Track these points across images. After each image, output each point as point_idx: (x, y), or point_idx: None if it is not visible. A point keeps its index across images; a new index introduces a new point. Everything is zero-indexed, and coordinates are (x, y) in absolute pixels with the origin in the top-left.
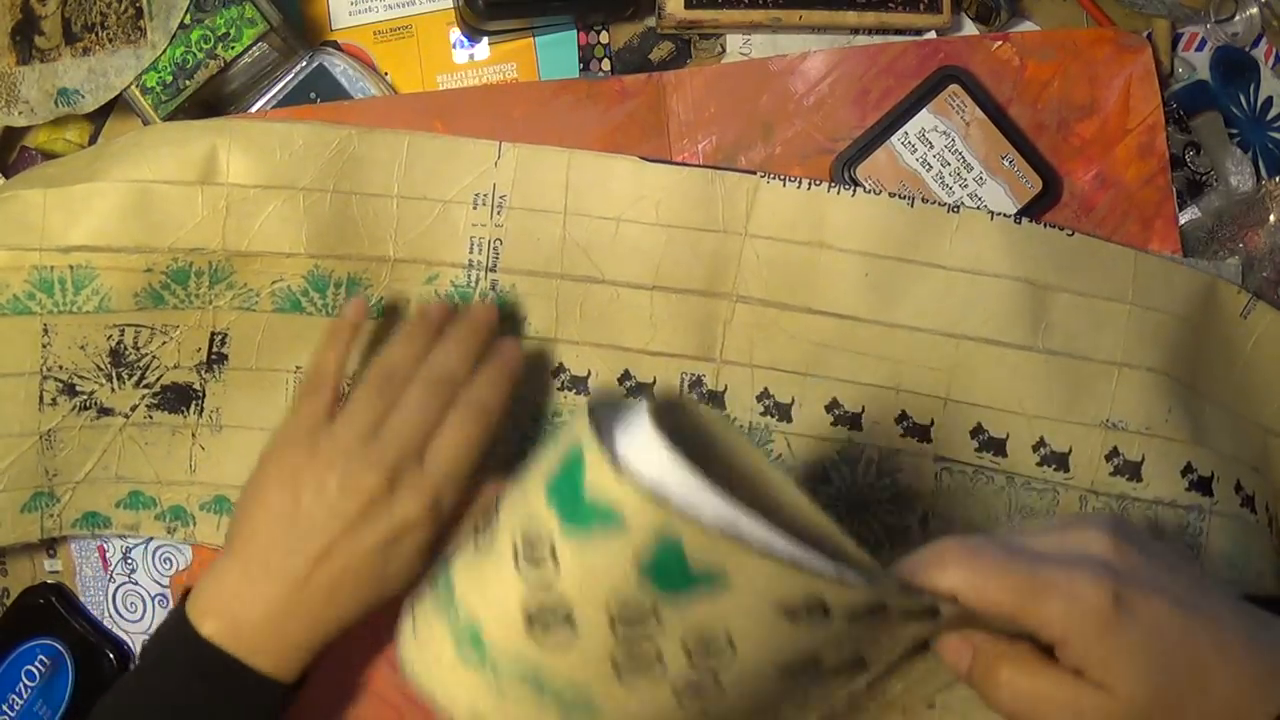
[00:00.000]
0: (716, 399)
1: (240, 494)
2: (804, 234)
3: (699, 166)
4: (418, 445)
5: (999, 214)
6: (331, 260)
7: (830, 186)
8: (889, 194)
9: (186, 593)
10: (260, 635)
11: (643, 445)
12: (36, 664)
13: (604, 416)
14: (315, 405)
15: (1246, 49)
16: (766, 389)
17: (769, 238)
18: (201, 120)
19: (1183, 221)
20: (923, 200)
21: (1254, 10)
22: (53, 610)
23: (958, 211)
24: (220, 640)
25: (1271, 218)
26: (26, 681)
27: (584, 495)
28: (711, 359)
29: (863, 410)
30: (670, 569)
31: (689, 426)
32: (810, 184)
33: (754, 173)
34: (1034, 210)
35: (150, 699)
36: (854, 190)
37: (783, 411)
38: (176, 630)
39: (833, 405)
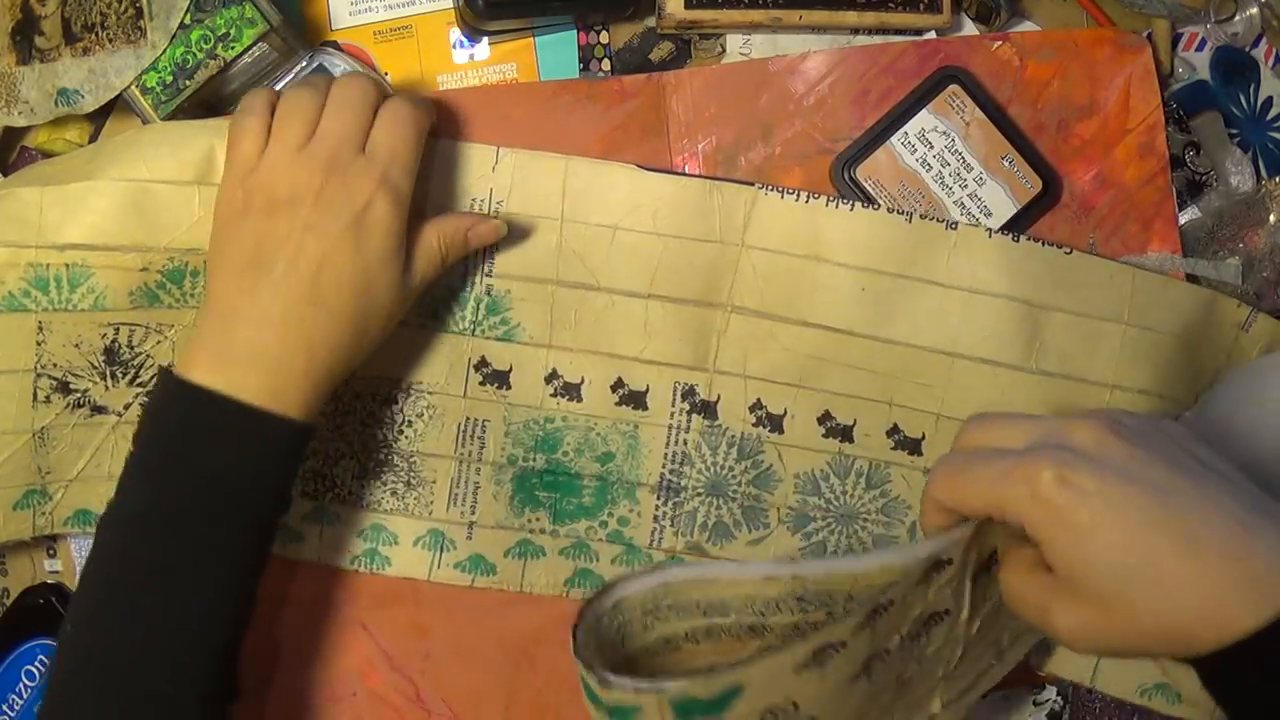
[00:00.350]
0: (709, 408)
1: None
2: (801, 247)
3: (697, 176)
4: (355, 140)
5: (997, 231)
6: None
7: (829, 200)
8: (887, 209)
9: (164, 369)
10: (254, 365)
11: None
12: (36, 664)
13: (585, 631)
14: (244, 147)
15: (1246, 49)
16: (759, 400)
17: (766, 249)
18: (200, 120)
19: (1183, 221)
20: (921, 216)
21: (1254, 10)
22: (53, 610)
23: (955, 228)
24: (214, 383)
25: (1271, 218)
26: (26, 681)
27: (603, 702)
28: (705, 369)
29: (854, 423)
30: (693, 708)
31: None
32: (809, 197)
33: (752, 184)
34: (1034, 210)
35: (157, 478)
36: (852, 205)
37: (775, 423)
38: (166, 392)
39: (825, 417)
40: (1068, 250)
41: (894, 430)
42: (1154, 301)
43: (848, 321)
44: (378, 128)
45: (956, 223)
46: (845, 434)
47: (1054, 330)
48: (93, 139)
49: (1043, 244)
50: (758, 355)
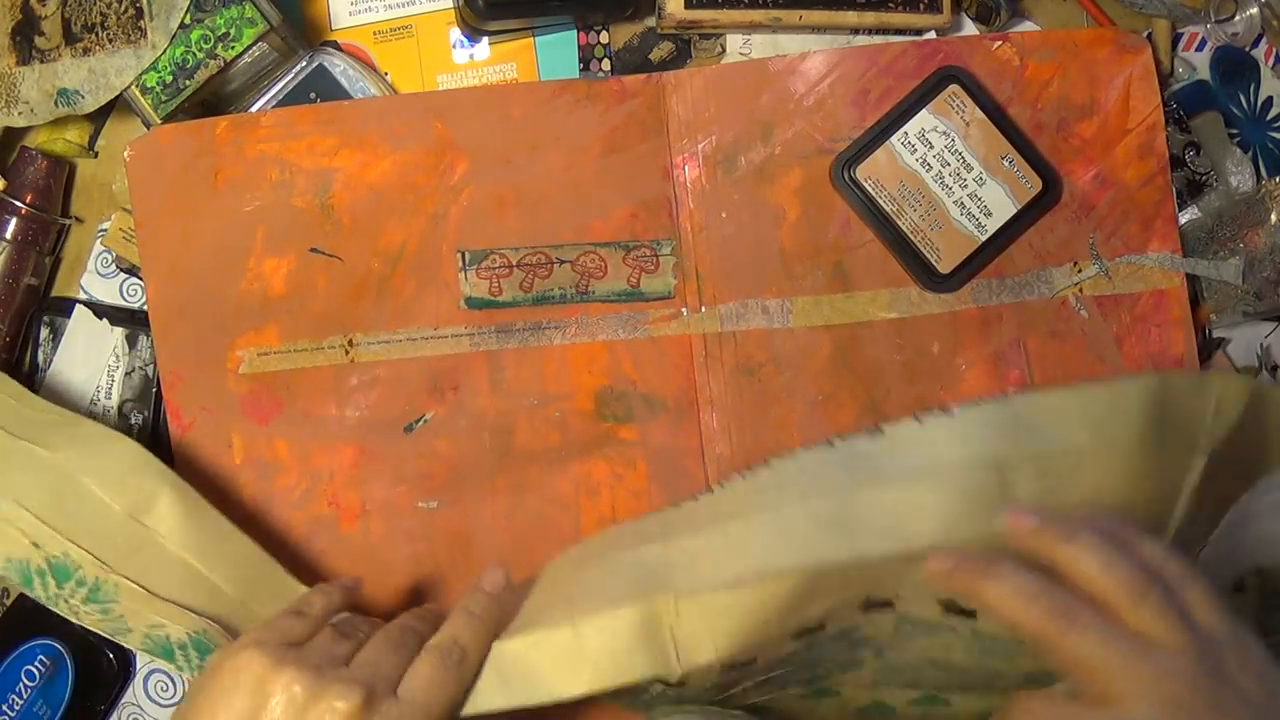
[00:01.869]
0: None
1: (182, 704)
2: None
3: None
4: (391, 677)
5: (927, 415)
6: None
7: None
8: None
9: None
10: None
11: None
12: (36, 664)
13: None
14: (294, 624)
15: (1246, 49)
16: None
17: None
18: (163, 467)
19: (1183, 221)
20: (841, 438)
21: (1254, 10)
22: (52, 610)
23: (881, 432)
24: None
25: (1272, 218)
26: (26, 681)
27: None
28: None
29: (826, 618)
30: None
31: None
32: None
33: None
34: (1034, 210)
35: None
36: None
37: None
38: None
39: (800, 634)
40: (1007, 398)
41: (867, 603)
42: (1106, 413)
43: (806, 560)
44: (419, 669)
45: (881, 430)
46: (817, 629)
47: (1024, 485)
48: (93, 139)
49: (978, 402)
50: (726, 630)
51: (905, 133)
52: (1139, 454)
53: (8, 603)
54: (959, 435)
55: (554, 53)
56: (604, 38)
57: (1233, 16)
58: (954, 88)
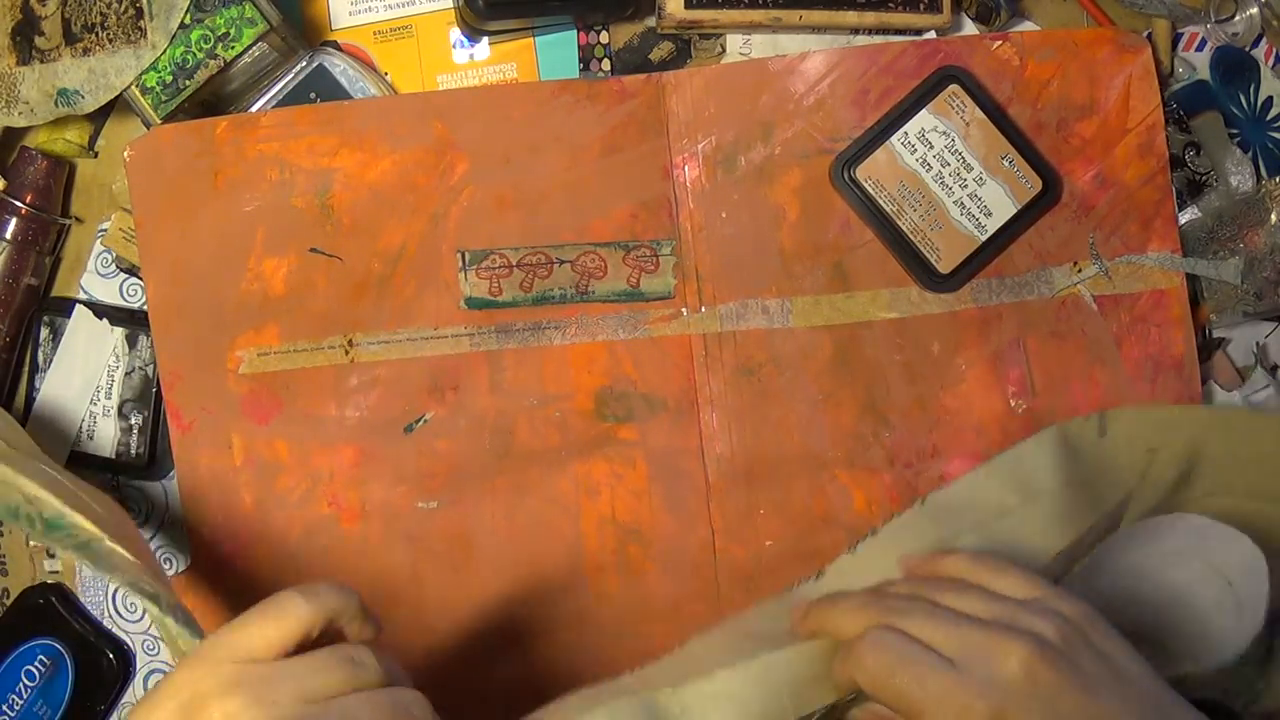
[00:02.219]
0: None
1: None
2: None
3: None
4: None
5: (858, 542)
6: None
7: None
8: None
9: None
10: None
11: None
12: (36, 664)
13: None
14: (264, 633)
15: (1246, 49)
16: None
17: None
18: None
19: (1183, 221)
20: (788, 589)
21: (1254, 10)
22: (53, 610)
23: (822, 575)
24: None
25: (1272, 218)
26: (26, 681)
27: None
28: None
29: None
30: None
31: None
32: None
33: None
34: (1034, 210)
35: None
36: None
37: None
38: None
39: None
40: (921, 500)
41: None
42: (1022, 476)
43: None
44: None
45: (822, 571)
46: None
47: (972, 542)
48: (93, 139)
49: (898, 515)
50: (737, 712)
51: (905, 133)
52: (1064, 495)
53: (8, 603)
54: (893, 543)
55: (554, 53)
56: (604, 38)
57: (1233, 16)
58: (954, 88)
